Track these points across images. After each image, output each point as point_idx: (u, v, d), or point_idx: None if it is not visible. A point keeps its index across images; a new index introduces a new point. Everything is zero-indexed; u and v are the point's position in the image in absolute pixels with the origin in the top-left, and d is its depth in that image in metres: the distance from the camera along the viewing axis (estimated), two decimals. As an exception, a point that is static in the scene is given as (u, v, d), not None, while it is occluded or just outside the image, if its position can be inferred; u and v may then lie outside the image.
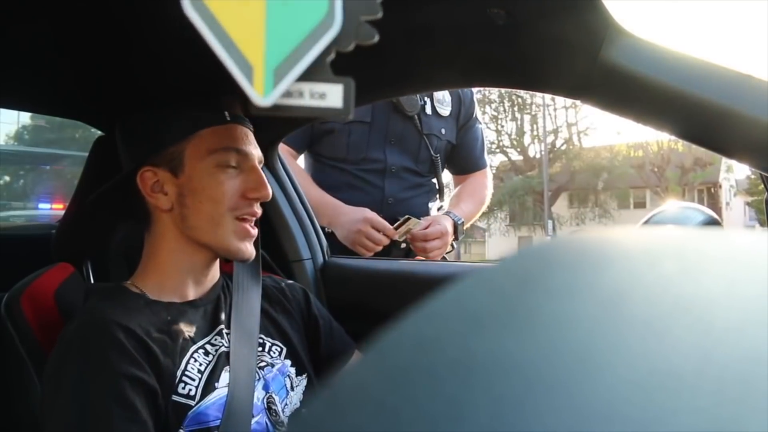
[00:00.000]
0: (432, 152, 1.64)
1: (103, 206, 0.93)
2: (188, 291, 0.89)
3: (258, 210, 0.88)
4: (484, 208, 1.80)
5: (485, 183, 1.78)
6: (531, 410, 0.14)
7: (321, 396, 0.18)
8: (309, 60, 0.31)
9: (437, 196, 1.73)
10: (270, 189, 0.88)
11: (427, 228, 1.52)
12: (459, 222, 1.59)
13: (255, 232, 0.89)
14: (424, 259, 1.52)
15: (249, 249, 0.87)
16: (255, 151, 0.89)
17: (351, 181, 1.61)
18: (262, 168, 0.91)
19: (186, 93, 0.88)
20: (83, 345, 0.76)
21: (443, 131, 1.66)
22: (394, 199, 1.61)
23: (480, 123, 1.78)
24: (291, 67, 0.31)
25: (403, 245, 1.56)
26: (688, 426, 0.13)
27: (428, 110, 1.64)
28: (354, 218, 1.51)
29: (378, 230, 1.50)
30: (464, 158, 1.75)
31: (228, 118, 0.88)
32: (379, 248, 1.51)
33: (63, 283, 0.96)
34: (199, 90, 0.86)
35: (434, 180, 1.70)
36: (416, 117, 1.61)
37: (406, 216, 1.52)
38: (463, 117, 1.71)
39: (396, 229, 1.51)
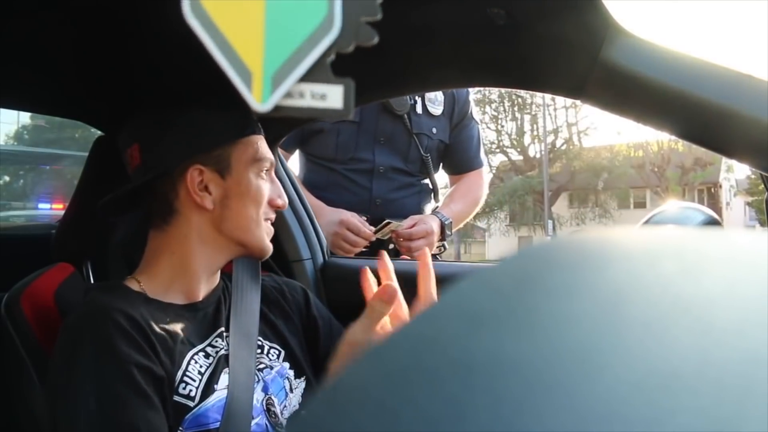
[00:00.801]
0: (422, 152, 1.62)
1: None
2: (199, 291, 0.90)
3: (273, 215, 0.94)
4: (478, 209, 1.77)
5: (480, 183, 1.74)
6: (530, 410, 0.14)
7: (320, 396, 0.18)
8: (308, 64, 0.31)
9: (431, 196, 1.71)
10: (286, 199, 0.94)
11: (412, 227, 1.51)
12: (446, 222, 1.57)
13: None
14: (410, 258, 1.51)
15: (271, 246, 0.93)
16: None
17: (339, 181, 1.60)
18: None
19: (201, 96, 0.88)
20: (89, 332, 0.76)
21: (434, 130, 1.64)
22: (382, 200, 1.60)
23: (476, 122, 1.75)
24: (290, 71, 0.31)
25: (391, 246, 1.55)
26: (688, 426, 0.13)
27: (419, 109, 1.62)
28: (330, 220, 1.50)
29: (354, 232, 1.49)
30: (459, 158, 1.73)
31: (261, 129, 0.92)
32: (357, 250, 1.51)
33: (63, 283, 0.96)
34: (197, 91, 0.86)
35: (427, 180, 1.69)
36: (406, 116, 1.59)
37: (386, 221, 1.51)
38: (457, 116, 1.68)
39: (376, 232, 1.51)
